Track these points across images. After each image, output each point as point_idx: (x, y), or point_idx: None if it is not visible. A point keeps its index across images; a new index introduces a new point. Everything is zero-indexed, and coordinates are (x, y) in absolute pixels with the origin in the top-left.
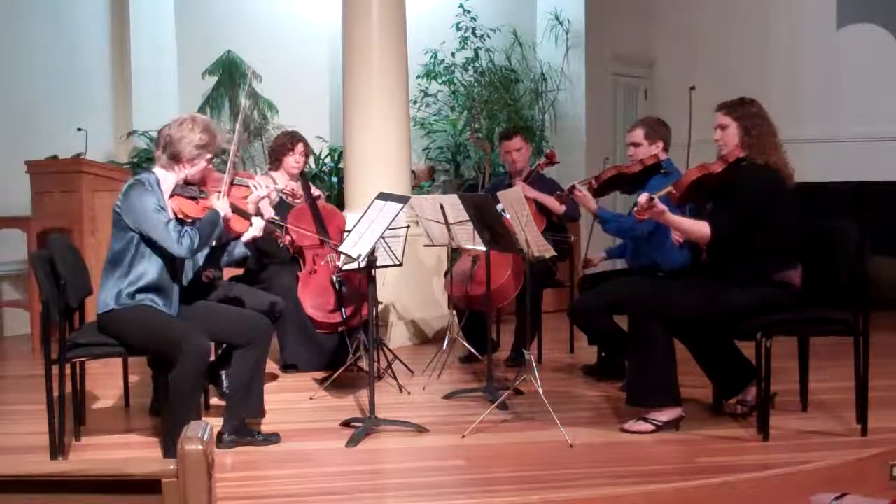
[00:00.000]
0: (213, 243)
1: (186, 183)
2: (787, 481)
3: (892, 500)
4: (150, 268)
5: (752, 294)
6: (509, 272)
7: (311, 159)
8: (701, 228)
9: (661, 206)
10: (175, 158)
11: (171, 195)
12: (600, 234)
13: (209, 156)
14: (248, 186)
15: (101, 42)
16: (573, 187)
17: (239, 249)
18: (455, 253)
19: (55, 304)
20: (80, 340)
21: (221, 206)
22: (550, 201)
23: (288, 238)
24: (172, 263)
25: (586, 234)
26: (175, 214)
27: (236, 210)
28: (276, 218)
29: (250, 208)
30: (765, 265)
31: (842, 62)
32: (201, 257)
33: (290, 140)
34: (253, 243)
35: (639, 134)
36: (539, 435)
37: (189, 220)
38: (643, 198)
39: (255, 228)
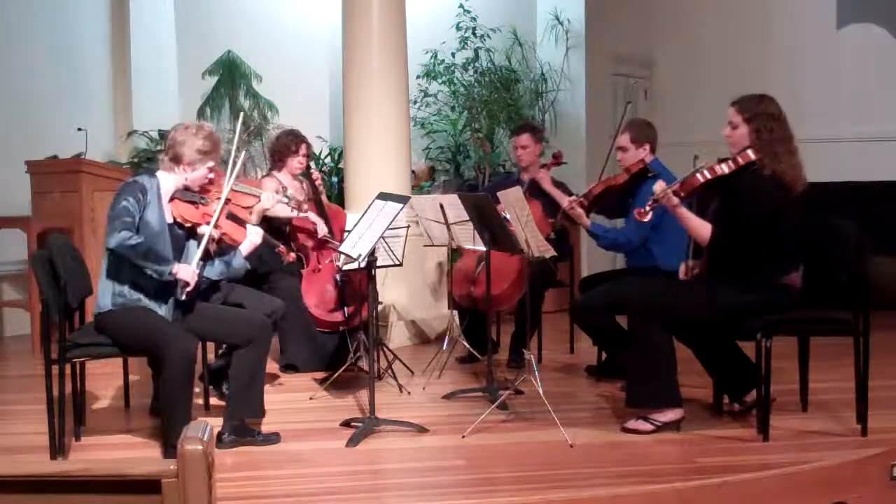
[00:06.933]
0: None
1: (187, 189)
2: (787, 481)
3: None
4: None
5: (752, 295)
6: (514, 279)
7: (311, 160)
8: (703, 231)
9: (675, 200)
10: (176, 160)
11: (171, 199)
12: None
13: (211, 163)
14: (254, 196)
15: (101, 42)
16: (569, 204)
17: (238, 261)
18: (455, 253)
19: (55, 304)
20: (79, 340)
21: (184, 272)
22: (560, 196)
23: (292, 256)
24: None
25: (586, 236)
26: (174, 219)
27: (232, 217)
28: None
29: (252, 218)
30: (766, 269)
31: (842, 62)
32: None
33: (294, 142)
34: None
35: (625, 139)
36: (539, 435)
37: (188, 225)
38: (658, 187)
39: (252, 236)
